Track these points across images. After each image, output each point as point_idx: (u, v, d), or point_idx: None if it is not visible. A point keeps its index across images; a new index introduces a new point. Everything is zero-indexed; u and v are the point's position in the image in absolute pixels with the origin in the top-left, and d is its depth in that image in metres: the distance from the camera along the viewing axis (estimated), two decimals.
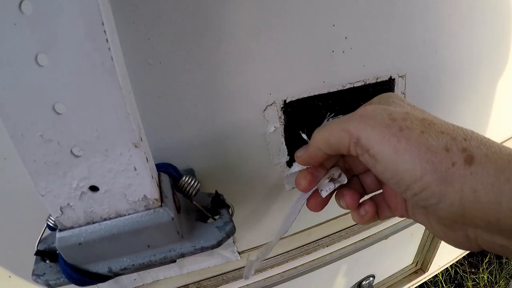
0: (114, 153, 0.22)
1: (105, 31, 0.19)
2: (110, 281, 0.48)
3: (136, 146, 0.22)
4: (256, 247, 0.46)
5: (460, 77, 0.49)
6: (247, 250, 0.46)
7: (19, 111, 0.20)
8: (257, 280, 0.50)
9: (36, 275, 0.28)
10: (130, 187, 0.24)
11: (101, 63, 0.20)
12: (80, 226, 0.26)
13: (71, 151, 0.23)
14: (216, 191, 0.30)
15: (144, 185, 0.24)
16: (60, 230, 0.26)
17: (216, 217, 0.30)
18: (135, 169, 0.23)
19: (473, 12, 0.44)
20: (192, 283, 0.47)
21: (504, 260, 1.52)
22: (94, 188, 0.24)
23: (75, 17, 0.19)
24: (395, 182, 0.24)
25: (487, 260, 1.53)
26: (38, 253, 0.29)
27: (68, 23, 0.19)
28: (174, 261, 0.30)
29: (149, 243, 0.27)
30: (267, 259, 0.48)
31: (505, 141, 0.66)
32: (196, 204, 0.29)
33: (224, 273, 0.47)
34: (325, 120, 0.40)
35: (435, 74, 0.46)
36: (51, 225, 0.30)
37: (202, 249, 0.27)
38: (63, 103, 0.21)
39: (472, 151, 0.21)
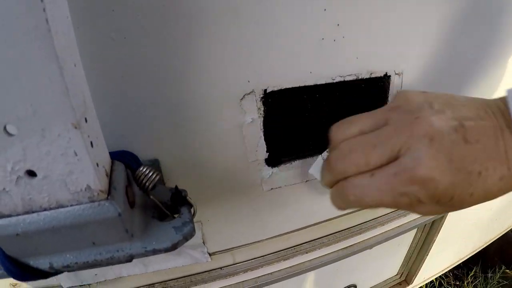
0: (51, 133, 0.19)
1: None
2: (69, 274, 0.45)
3: (75, 127, 0.19)
4: (229, 249, 0.43)
5: (460, 74, 0.46)
6: (218, 252, 0.42)
7: None
8: (228, 285, 0.46)
9: None
10: (71, 175, 0.21)
11: (34, 26, 0.17)
12: (18, 214, 0.23)
13: (5, 128, 0.20)
14: (176, 187, 0.27)
15: (86, 173, 0.21)
16: None
17: (176, 215, 0.27)
18: (76, 154, 0.20)
19: (475, 11, 0.41)
20: (158, 282, 0.43)
21: (489, 275, 1.49)
22: (31, 173, 0.21)
23: None
24: None
25: (472, 273, 1.50)
26: None
27: None
28: (129, 260, 0.28)
29: (94, 240, 0.24)
30: (239, 262, 0.45)
31: None
32: (153, 199, 0.26)
33: (193, 275, 0.44)
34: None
35: (434, 73, 0.43)
36: None
37: (155, 252, 0.24)
38: None
39: None
